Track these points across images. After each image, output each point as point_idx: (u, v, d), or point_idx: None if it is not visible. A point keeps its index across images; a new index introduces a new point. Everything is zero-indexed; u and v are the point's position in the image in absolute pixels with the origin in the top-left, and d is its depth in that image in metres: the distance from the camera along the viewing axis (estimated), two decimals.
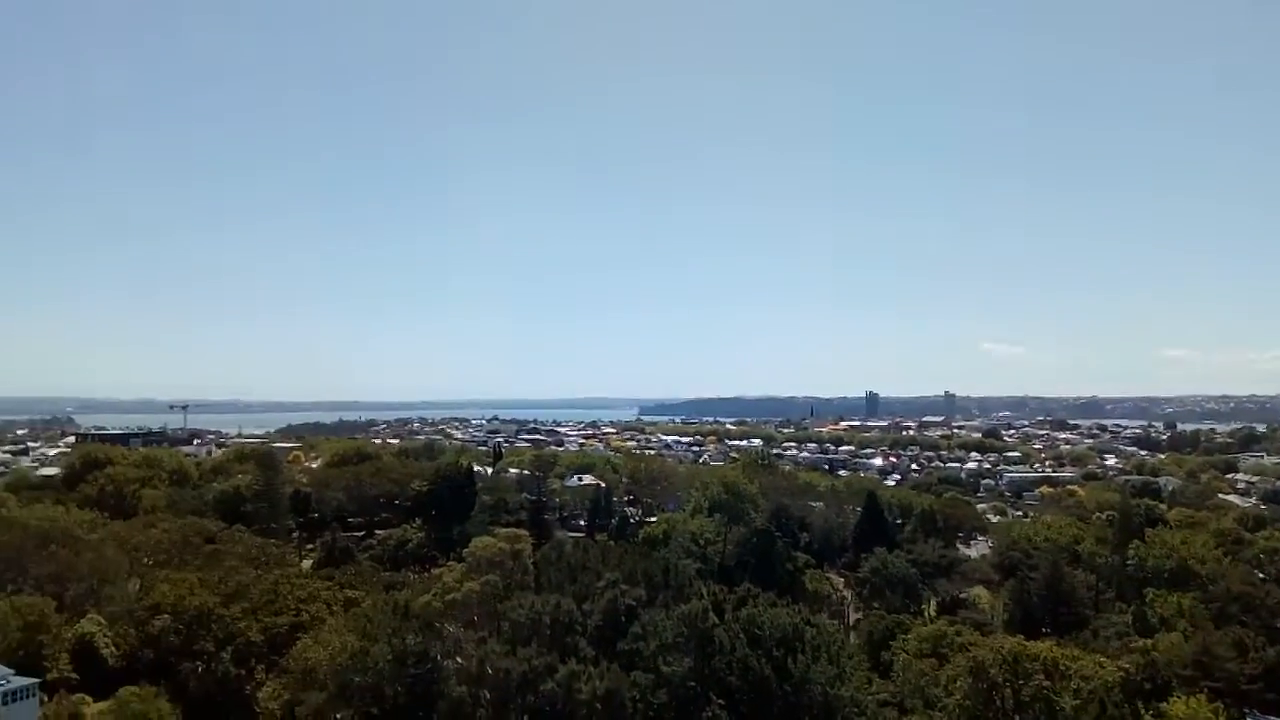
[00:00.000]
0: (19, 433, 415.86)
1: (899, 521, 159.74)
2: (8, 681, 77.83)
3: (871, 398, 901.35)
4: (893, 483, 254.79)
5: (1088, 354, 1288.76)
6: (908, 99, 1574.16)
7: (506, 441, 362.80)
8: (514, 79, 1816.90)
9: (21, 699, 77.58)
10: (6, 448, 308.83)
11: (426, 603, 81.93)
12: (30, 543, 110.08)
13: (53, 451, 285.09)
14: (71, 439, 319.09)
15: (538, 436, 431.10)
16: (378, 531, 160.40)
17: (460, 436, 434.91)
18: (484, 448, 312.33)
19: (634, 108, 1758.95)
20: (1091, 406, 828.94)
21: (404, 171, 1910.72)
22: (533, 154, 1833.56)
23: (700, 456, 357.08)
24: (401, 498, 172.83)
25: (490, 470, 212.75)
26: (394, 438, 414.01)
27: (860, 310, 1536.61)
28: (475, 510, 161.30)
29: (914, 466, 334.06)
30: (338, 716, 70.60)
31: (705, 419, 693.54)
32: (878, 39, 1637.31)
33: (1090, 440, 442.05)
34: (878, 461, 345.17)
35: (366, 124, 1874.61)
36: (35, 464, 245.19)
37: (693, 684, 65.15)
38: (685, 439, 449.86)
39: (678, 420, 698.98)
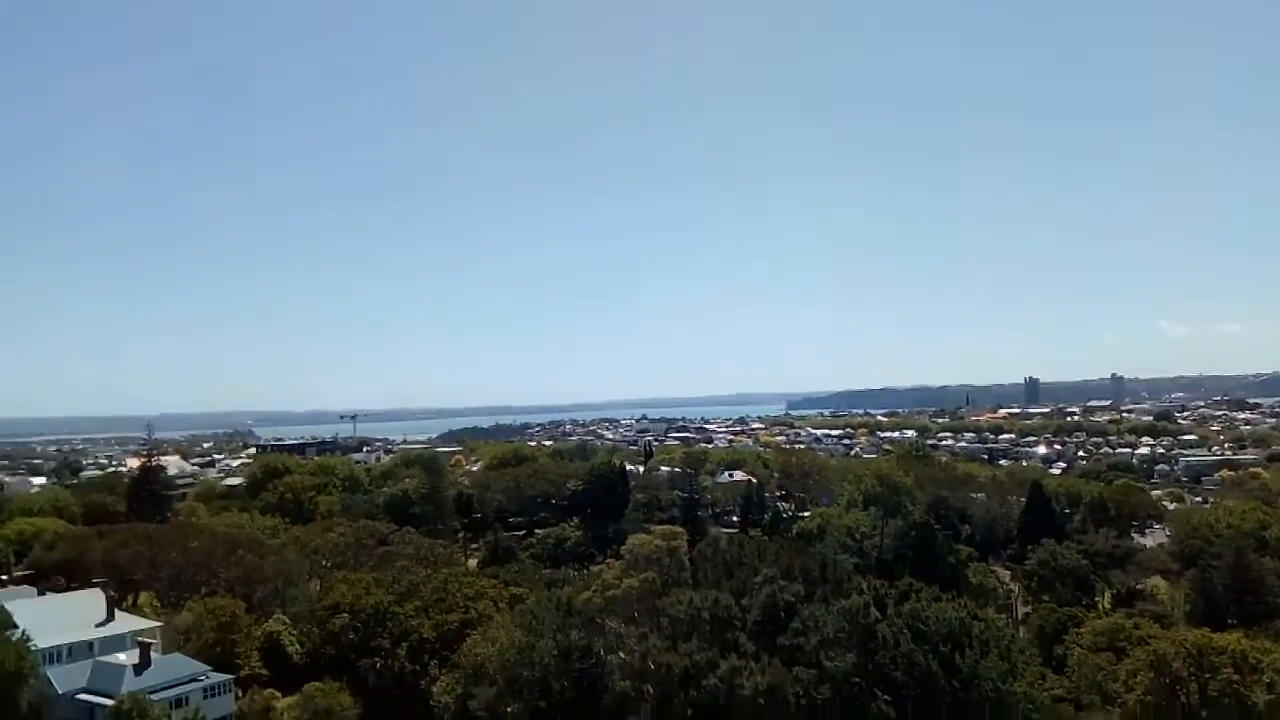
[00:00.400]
0: (205, 446, 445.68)
1: (1066, 511, 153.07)
2: (206, 678, 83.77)
3: (1031, 383, 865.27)
4: (1058, 471, 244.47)
5: (1269, 327, 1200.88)
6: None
7: (656, 440, 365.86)
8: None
9: (219, 694, 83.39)
10: (195, 460, 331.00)
11: (588, 599, 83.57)
12: (220, 549, 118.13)
13: (236, 463, 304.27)
14: (252, 450, 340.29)
15: (686, 434, 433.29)
16: (537, 530, 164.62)
17: (611, 437, 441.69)
18: (634, 447, 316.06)
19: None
20: (1274, 383, 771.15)
21: (558, 180, 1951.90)
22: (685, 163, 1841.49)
23: (852, 449, 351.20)
24: (558, 497, 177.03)
25: (642, 469, 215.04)
26: (548, 440, 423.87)
27: (1018, 293, 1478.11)
28: (629, 508, 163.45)
29: (1080, 453, 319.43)
30: (508, 710, 72.67)
31: (855, 411, 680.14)
32: None
33: (1273, 420, 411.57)
34: (1041, 449, 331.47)
35: (534, 132, 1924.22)
36: (221, 475, 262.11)
37: (856, 680, 64.25)
38: (835, 432, 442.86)
39: (826, 414, 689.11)
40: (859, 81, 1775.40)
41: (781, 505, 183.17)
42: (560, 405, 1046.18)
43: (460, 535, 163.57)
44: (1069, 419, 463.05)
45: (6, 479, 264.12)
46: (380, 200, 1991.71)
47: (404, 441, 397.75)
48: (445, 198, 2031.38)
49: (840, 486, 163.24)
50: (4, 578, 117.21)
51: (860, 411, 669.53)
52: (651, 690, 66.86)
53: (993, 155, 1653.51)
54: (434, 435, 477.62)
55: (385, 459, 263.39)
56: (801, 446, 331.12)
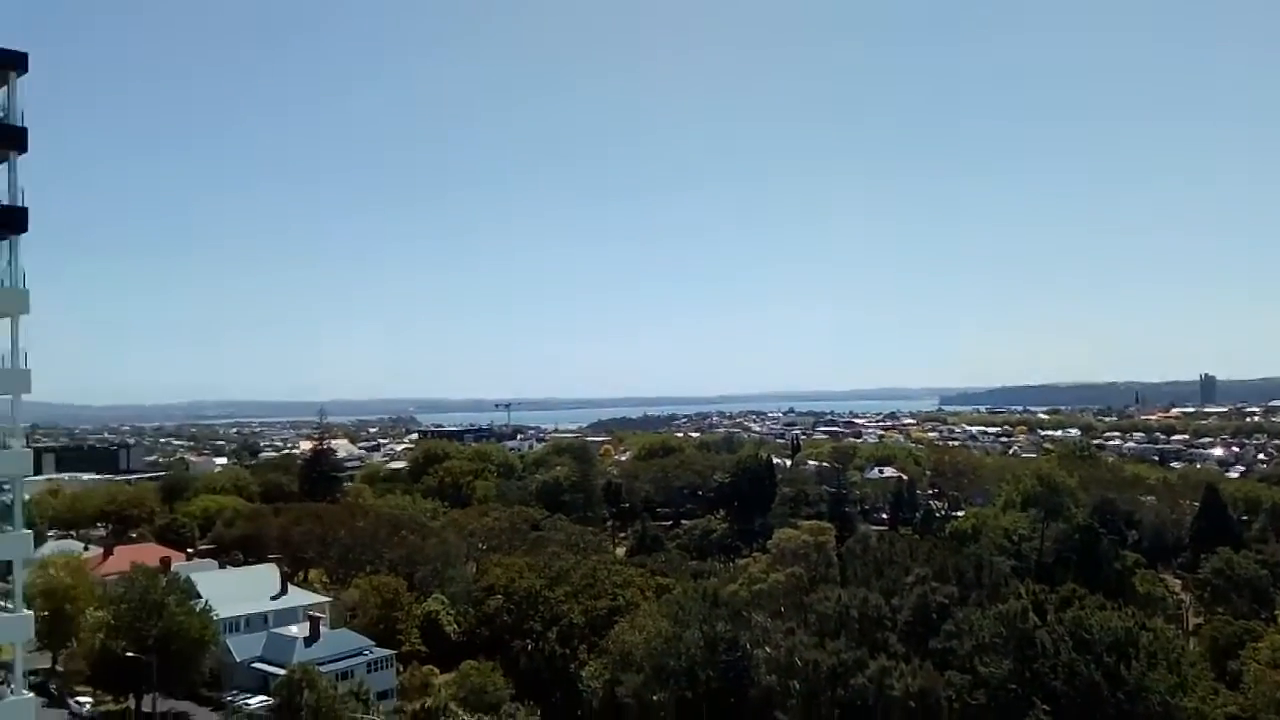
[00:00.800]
0: (371, 431, 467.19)
1: (1244, 518, 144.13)
2: (370, 652, 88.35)
3: (1207, 381, 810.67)
4: (1236, 475, 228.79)
5: None
6: None
7: (803, 434, 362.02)
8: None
9: (382, 669, 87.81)
10: (362, 444, 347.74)
11: (734, 592, 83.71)
12: (384, 529, 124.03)
13: (399, 447, 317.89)
14: (414, 436, 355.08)
15: (835, 429, 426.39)
16: (683, 521, 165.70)
17: (757, 429, 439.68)
18: (781, 440, 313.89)
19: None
20: None
21: (708, 167, 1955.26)
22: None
23: (1009, 448, 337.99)
24: (704, 489, 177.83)
25: (788, 462, 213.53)
26: (695, 431, 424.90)
27: (1195, 285, 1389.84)
28: (775, 502, 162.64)
29: (1260, 456, 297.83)
30: (654, 697, 73.59)
31: (1013, 408, 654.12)
32: None
33: None
34: (1217, 451, 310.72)
35: (671, 119, 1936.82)
36: (385, 459, 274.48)
37: (1013, 687, 62.21)
38: (992, 429, 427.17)
39: (982, 410, 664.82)
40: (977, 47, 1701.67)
41: (934, 504, 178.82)
42: (706, 397, 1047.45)
43: (608, 523, 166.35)
44: (1248, 419, 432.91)
45: (193, 459, 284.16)
46: (532, 191, 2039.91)
47: (555, 430, 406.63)
48: (594, 187, 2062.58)
49: (997, 486, 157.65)
50: (189, 551, 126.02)
51: (1018, 409, 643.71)
52: (798, 686, 66.48)
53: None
54: (584, 425, 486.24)
55: (537, 447, 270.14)
56: (955, 444, 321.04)
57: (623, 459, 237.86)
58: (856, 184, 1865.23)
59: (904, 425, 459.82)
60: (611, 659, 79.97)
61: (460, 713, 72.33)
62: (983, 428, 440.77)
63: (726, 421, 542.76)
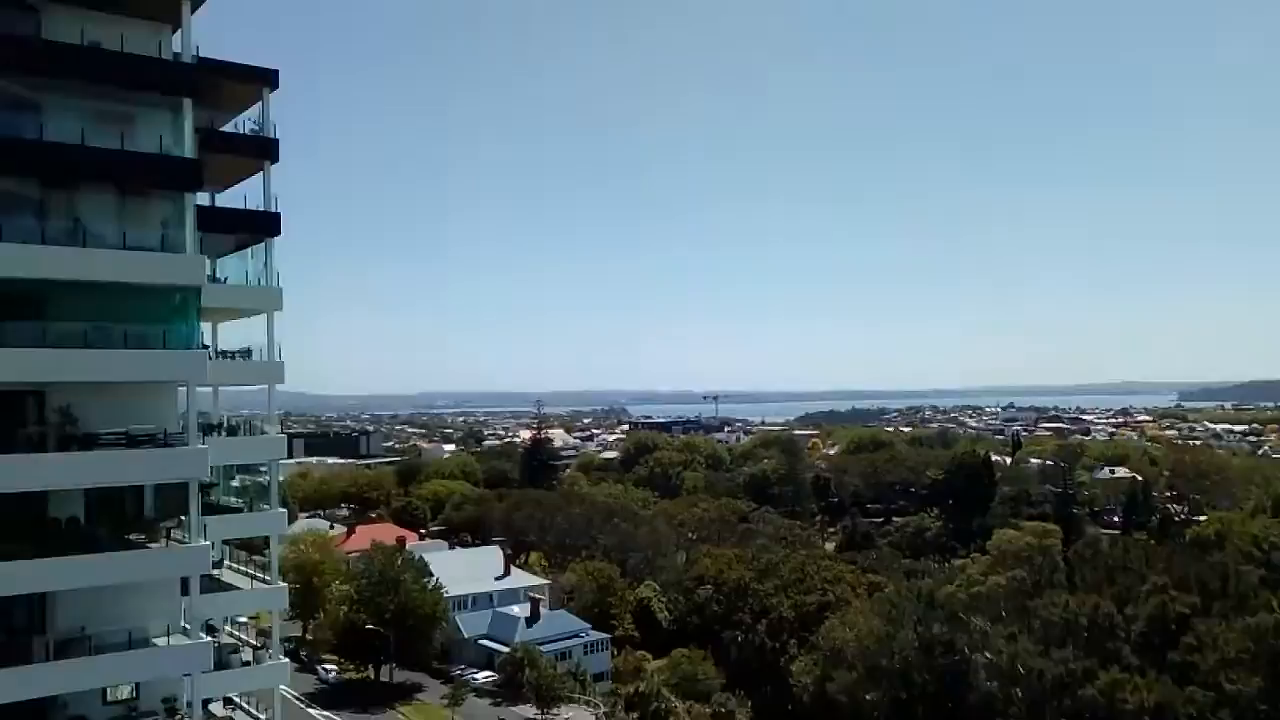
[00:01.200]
0: (585, 421, 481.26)
1: None
2: (587, 634, 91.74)
3: None
4: None
5: None
6: None
7: (1025, 430, 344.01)
8: None
9: (597, 651, 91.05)
10: (576, 434, 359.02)
11: (951, 593, 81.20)
12: (598, 516, 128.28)
13: (611, 438, 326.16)
14: (625, 427, 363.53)
15: (1059, 425, 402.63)
16: (894, 518, 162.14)
17: (974, 425, 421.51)
18: (1000, 436, 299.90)
19: None
20: None
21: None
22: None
23: (1259, 448, 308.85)
24: (916, 486, 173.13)
25: (1008, 460, 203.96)
26: (906, 425, 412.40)
27: None
28: (994, 501, 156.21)
29: None
30: (867, 697, 72.77)
31: (1263, 405, 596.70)
32: None
33: None
34: None
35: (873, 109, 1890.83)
36: (598, 449, 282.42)
37: (1263, 707, 57.46)
38: (1238, 428, 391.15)
39: (1227, 407, 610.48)
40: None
41: (1172, 508, 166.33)
42: (918, 390, 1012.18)
43: (817, 518, 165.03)
44: None
45: (424, 446, 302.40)
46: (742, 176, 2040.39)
47: (762, 423, 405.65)
48: (806, 189, 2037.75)
49: (1244, 489, 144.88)
50: (422, 532, 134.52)
51: (1270, 405, 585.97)
52: (1020, 694, 64.01)
53: None
54: (790, 418, 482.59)
55: (745, 440, 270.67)
56: (1197, 443, 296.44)
57: (831, 453, 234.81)
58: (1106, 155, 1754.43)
59: (1138, 422, 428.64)
60: (822, 655, 79.64)
61: (672, 699, 73.95)
62: (1228, 426, 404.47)
63: (940, 416, 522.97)
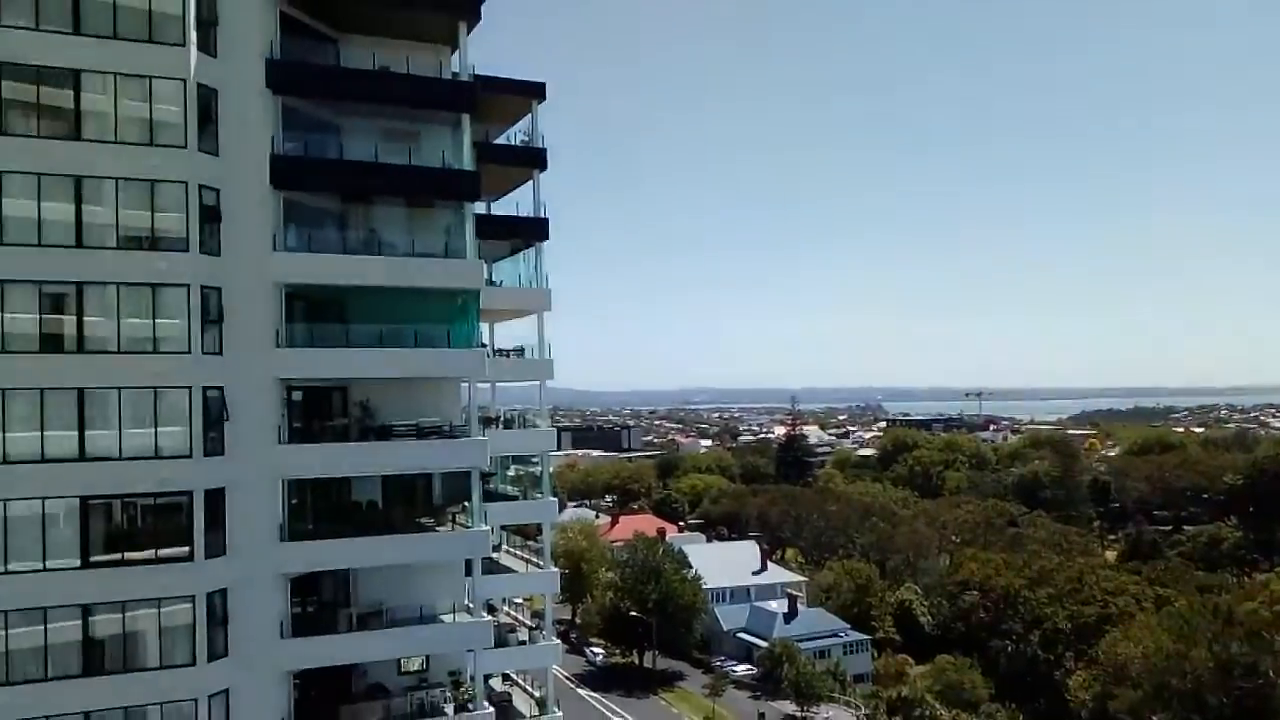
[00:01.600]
0: (840, 418, 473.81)
1: None
2: (846, 634, 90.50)
3: None
4: None
5: None
6: None
7: None
8: None
9: (857, 652, 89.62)
10: (831, 430, 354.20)
11: (1252, 610, 73.37)
12: (854, 515, 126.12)
13: (867, 435, 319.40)
14: (882, 424, 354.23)
15: None
16: (1185, 527, 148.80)
17: (1278, 426, 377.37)
18: None
19: None
20: None
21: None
22: None
23: None
24: (1211, 492, 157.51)
25: None
26: (1197, 426, 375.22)
27: None
28: None
29: None
30: (1154, 718, 67.30)
31: None
32: None
33: None
34: None
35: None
36: (854, 445, 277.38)
37: None
38: None
39: None
40: None
41: None
42: (1212, 388, 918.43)
43: (1095, 524, 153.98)
44: None
45: (681, 440, 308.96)
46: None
47: (1031, 421, 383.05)
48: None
49: None
50: (680, 524, 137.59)
51: None
52: None
53: None
54: (1064, 416, 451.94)
55: (1012, 439, 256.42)
56: None
57: (1110, 454, 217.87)
58: None
59: None
60: (1103, 671, 74.50)
61: (937, 706, 71.57)
62: None
63: (1238, 415, 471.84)
